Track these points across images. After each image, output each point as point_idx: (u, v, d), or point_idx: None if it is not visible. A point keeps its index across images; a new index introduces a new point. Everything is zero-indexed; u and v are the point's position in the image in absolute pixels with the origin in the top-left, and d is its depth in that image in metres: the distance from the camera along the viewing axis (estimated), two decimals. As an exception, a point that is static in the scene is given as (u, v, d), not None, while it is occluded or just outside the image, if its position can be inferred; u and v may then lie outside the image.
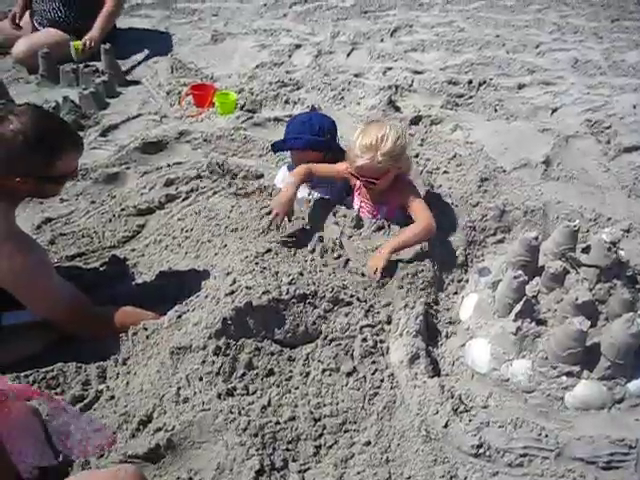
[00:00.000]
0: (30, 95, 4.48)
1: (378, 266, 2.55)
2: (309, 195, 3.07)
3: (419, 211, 2.76)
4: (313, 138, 3.00)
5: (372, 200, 2.94)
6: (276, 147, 3.18)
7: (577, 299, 2.19)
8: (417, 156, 3.64)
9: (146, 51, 5.42)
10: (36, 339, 2.29)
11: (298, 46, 5.61)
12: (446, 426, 2.00)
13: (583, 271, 2.41)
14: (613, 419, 2.11)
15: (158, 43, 5.66)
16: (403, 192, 2.84)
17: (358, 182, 2.91)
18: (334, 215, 2.88)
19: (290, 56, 5.41)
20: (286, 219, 2.75)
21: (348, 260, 2.66)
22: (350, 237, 2.79)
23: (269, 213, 2.76)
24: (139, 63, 5.20)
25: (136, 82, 4.85)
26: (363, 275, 2.58)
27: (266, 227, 2.74)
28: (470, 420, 2.03)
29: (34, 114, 2.10)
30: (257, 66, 5.13)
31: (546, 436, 1.99)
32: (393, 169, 2.75)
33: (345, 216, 2.86)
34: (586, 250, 2.45)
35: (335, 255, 2.67)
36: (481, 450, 1.95)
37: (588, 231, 3.03)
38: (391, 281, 2.55)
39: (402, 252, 2.67)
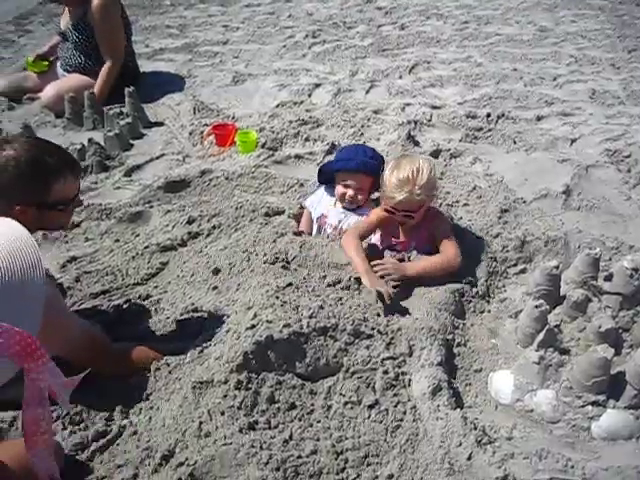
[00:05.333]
0: (57, 138, 4.60)
1: (392, 277, 2.58)
2: (339, 223, 3.10)
3: (446, 244, 2.80)
4: (367, 160, 3.05)
5: (403, 236, 2.95)
6: (326, 168, 3.22)
7: (600, 327, 2.17)
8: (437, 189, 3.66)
9: (169, 94, 5.55)
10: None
11: (317, 85, 5.68)
12: (470, 458, 1.97)
13: (605, 299, 2.40)
14: (641, 449, 2.07)
15: (181, 85, 5.80)
16: (433, 222, 2.87)
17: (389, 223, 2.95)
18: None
19: (310, 95, 5.49)
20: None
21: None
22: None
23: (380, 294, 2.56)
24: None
25: (159, 123, 4.96)
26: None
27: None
28: (494, 452, 2.00)
29: (26, 141, 2.11)
30: (277, 105, 5.21)
31: (572, 467, 1.96)
32: (428, 201, 2.78)
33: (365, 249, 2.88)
34: (608, 278, 2.44)
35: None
36: (506, 482, 1.92)
37: (610, 259, 3.01)
38: (413, 312, 2.56)
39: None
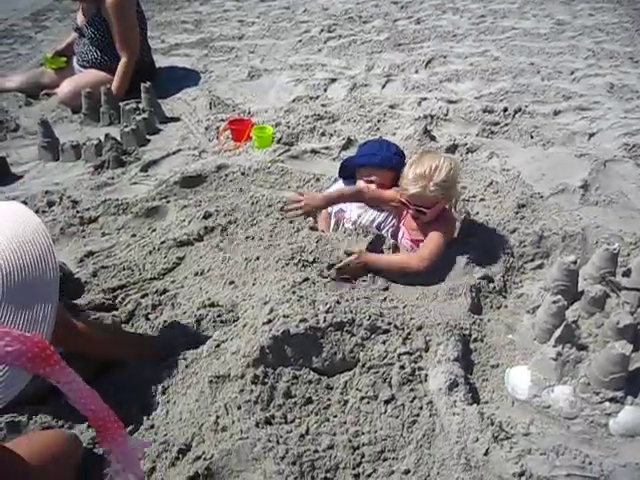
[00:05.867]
0: (73, 133, 4.65)
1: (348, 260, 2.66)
2: (359, 217, 3.09)
3: (423, 246, 2.79)
4: (391, 155, 3.05)
5: (418, 230, 2.95)
6: (349, 163, 3.22)
7: (618, 323, 2.16)
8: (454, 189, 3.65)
9: (185, 89, 5.57)
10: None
11: (333, 80, 5.68)
12: (486, 454, 1.97)
13: (624, 294, 2.38)
14: (660, 446, 2.05)
15: (196, 80, 5.83)
16: (441, 225, 2.86)
17: (404, 212, 2.94)
18: (371, 243, 2.89)
19: (326, 90, 5.49)
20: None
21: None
22: None
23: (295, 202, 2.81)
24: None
25: (176, 119, 4.98)
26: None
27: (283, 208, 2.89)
28: (511, 447, 1.99)
29: None
30: (293, 100, 5.22)
31: (590, 463, 1.94)
32: (444, 200, 2.77)
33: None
34: (627, 273, 2.42)
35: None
36: (523, 478, 1.90)
37: (629, 255, 2.97)
38: (429, 307, 2.56)
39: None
